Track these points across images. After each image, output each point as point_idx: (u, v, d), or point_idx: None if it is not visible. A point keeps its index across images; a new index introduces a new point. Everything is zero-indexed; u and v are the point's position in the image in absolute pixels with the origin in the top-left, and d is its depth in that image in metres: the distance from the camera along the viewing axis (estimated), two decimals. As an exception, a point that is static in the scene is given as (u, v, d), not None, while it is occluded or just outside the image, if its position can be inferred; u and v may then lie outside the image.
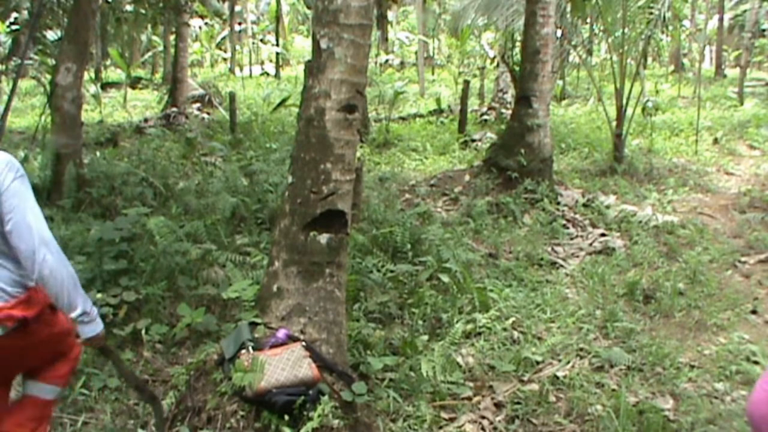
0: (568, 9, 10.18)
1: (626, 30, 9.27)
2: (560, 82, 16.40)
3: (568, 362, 3.86)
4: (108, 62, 22.03)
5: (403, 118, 13.98)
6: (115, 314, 3.89)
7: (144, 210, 4.98)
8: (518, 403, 3.44)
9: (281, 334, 2.98)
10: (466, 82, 12.35)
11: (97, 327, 2.25)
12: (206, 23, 26.34)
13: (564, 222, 6.85)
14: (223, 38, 28.50)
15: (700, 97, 12.50)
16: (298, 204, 3.11)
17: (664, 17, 9.45)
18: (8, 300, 2.11)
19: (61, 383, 2.42)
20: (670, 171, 9.39)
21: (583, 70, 15.34)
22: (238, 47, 28.34)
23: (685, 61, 23.25)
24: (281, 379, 2.74)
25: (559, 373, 3.71)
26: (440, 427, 3.24)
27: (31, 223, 2.08)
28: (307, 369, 2.80)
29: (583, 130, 12.18)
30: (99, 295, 3.90)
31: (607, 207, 7.30)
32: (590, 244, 6.31)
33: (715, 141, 11.29)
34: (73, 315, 2.17)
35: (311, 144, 3.08)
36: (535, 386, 3.57)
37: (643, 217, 6.92)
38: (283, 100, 13.47)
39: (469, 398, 3.51)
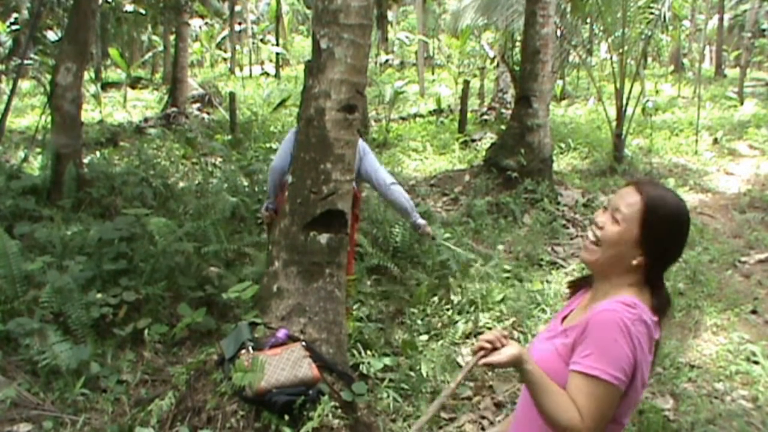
0: (568, 9, 10.17)
1: (626, 30, 9.27)
2: (560, 82, 16.38)
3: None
4: (108, 62, 21.99)
5: (403, 118, 13.96)
6: (115, 314, 3.89)
7: (144, 210, 4.97)
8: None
9: (281, 334, 2.98)
10: (466, 82, 12.32)
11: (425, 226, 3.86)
12: (206, 23, 26.30)
13: (564, 222, 6.85)
14: (223, 38, 28.45)
15: (700, 97, 12.49)
16: (298, 204, 3.11)
17: (664, 17, 9.45)
18: None
19: None
20: (670, 171, 9.40)
21: (583, 70, 15.32)
22: (238, 47, 28.31)
23: (685, 61, 23.22)
24: (281, 379, 2.74)
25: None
26: (440, 427, 3.24)
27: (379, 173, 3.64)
28: (307, 369, 2.80)
29: (583, 130, 12.17)
30: (99, 295, 3.89)
31: (607, 207, 7.29)
32: (590, 244, 6.30)
33: (715, 141, 11.28)
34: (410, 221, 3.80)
35: (311, 144, 3.08)
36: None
37: (643, 217, 6.91)
38: (283, 100, 13.44)
39: (469, 398, 3.51)
